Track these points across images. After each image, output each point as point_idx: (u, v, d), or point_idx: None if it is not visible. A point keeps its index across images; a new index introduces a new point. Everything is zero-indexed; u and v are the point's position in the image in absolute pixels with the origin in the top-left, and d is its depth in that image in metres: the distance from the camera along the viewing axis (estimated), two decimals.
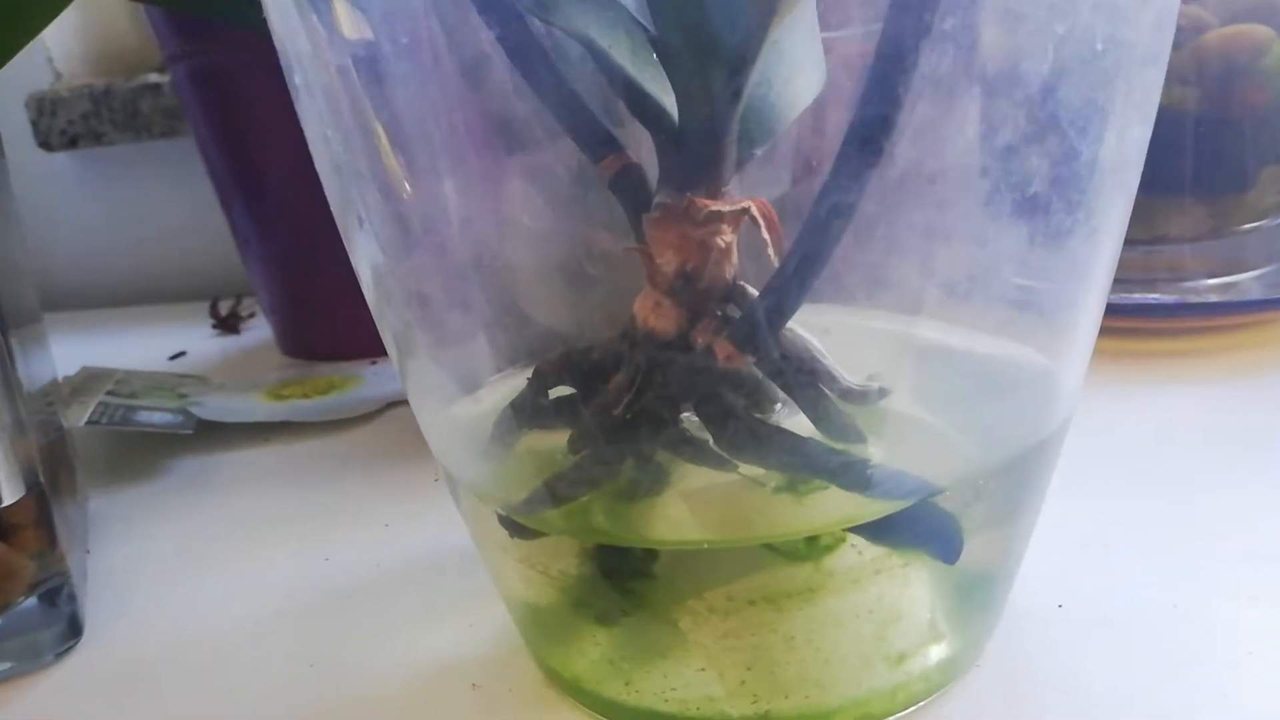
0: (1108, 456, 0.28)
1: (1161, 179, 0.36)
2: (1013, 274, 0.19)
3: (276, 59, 0.45)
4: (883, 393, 0.18)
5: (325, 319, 0.47)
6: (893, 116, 0.15)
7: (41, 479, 0.24)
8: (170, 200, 0.68)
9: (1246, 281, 0.38)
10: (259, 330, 0.54)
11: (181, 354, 0.51)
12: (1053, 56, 0.17)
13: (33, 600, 0.23)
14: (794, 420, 0.18)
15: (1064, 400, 0.19)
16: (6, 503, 0.23)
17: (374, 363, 0.46)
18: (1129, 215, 0.19)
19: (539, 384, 0.20)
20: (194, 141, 0.50)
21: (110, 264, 0.71)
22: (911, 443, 0.18)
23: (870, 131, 0.15)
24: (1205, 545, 0.23)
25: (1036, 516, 0.20)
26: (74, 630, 0.24)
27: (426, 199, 0.20)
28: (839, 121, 0.18)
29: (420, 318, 0.20)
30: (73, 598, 0.24)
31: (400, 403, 0.40)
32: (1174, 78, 0.35)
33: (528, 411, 0.20)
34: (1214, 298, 0.37)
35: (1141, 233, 0.37)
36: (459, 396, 0.21)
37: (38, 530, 0.24)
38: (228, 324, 0.55)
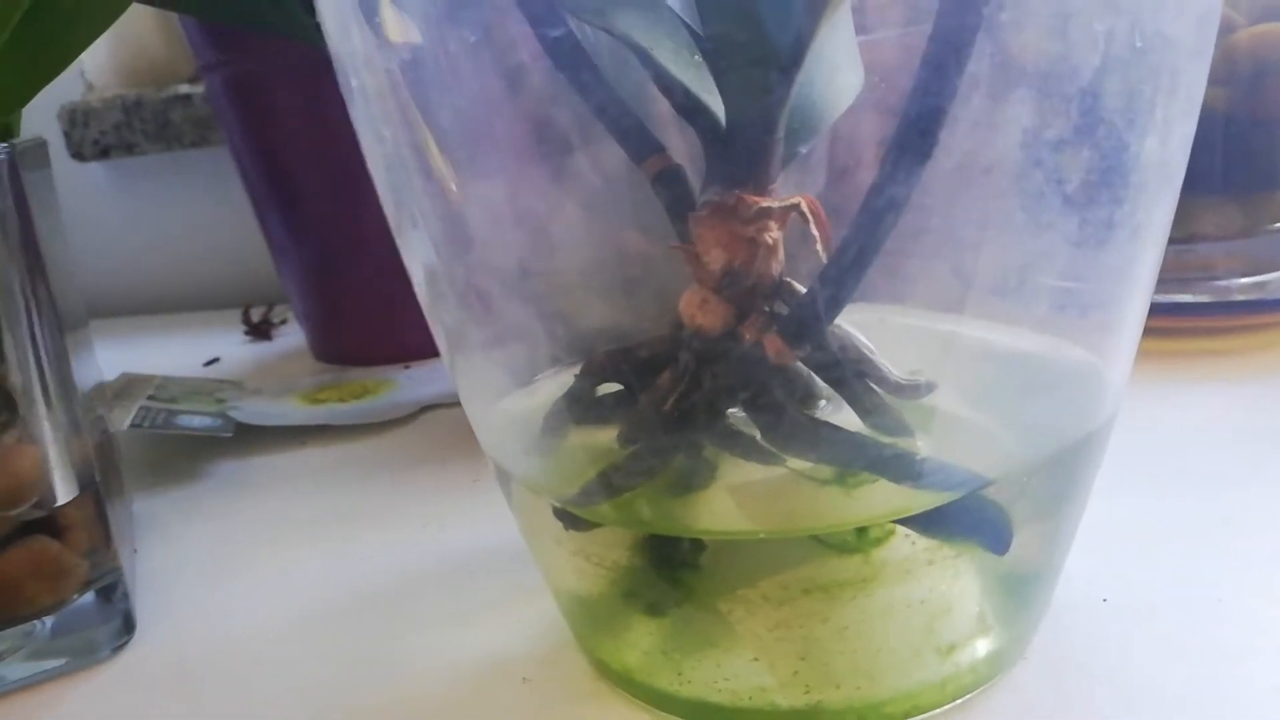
0: (1145, 454, 0.28)
1: (1193, 178, 0.36)
2: (1058, 270, 0.19)
3: (310, 68, 0.45)
4: (930, 386, 0.18)
5: (358, 325, 0.48)
6: (947, 108, 0.15)
7: (97, 477, 0.24)
8: (200, 209, 0.69)
9: (1278, 280, 0.38)
10: (291, 337, 0.55)
11: (215, 360, 0.52)
12: (1099, 50, 0.17)
13: (90, 596, 0.24)
14: (839, 417, 0.18)
15: (1109, 396, 0.19)
16: (61, 502, 0.23)
17: (407, 367, 0.46)
18: (1174, 210, 0.19)
19: (589, 379, 0.20)
20: (224, 151, 0.50)
21: (141, 272, 0.71)
22: (958, 437, 0.19)
23: (925, 123, 0.15)
24: (1245, 542, 0.23)
25: (1083, 511, 0.20)
26: (128, 627, 0.25)
27: (475, 199, 0.20)
28: (872, 122, 0.18)
29: (471, 315, 0.21)
30: (126, 595, 0.25)
31: (434, 406, 0.40)
32: None
33: (579, 406, 0.20)
34: (1246, 297, 0.37)
35: (1174, 232, 0.37)
36: (510, 391, 0.21)
37: (92, 529, 0.24)
38: (260, 331, 0.56)
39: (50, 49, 0.20)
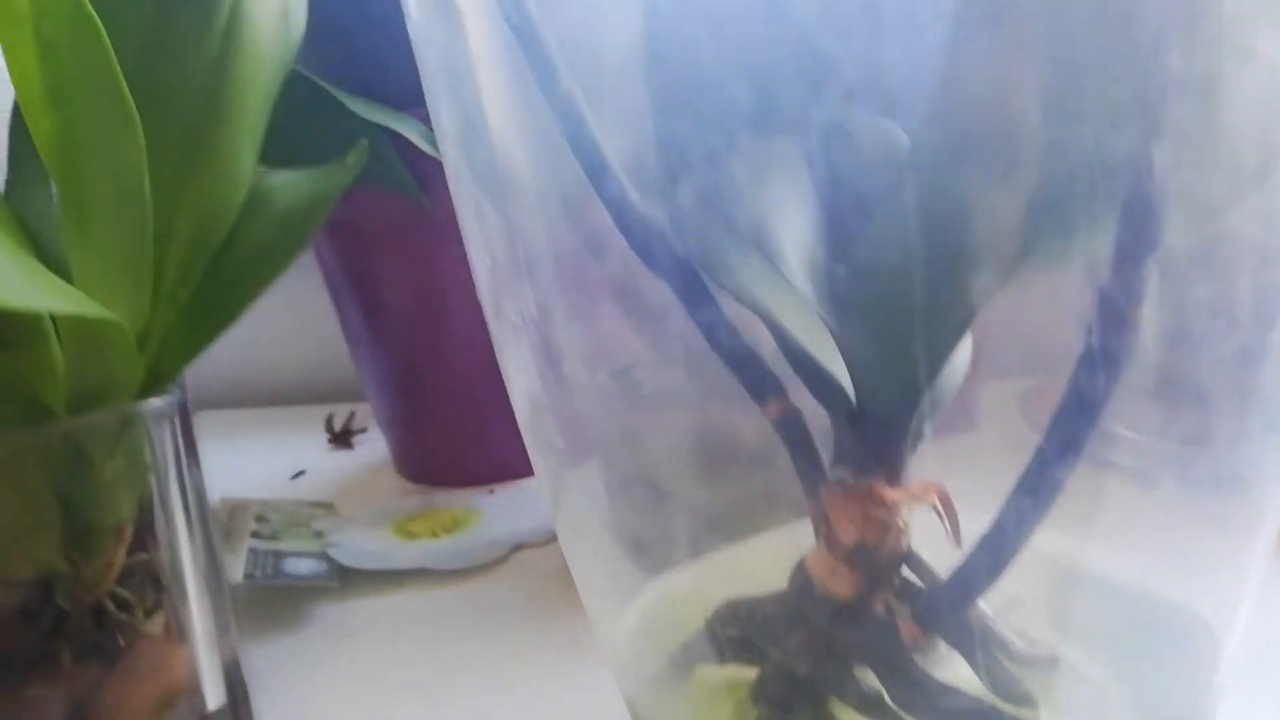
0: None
1: None
2: (1178, 521, 0.20)
3: (407, 212, 0.47)
4: (1053, 661, 0.19)
5: (442, 443, 0.49)
6: (1099, 417, 0.16)
7: (244, 676, 0.25)
8: (284, 308, 0.71)
9: None
10: (372, 445, 0.57)
11: (301, 473, 0.54)
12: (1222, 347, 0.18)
13: None
14: (955, 670, 0.19)
15: (1223, 666, 0.20)
16: (212, 709, 0.25)
17: (491, 491, 0.47)
18: None
19: (716, 629, 0.21)
20: (309, 254, 0.52)
21: (226, 367, 0.74)
22: (1078, 705, 0.19)
23: (1071, 457, 0.16)
24: None
25: None
26: None
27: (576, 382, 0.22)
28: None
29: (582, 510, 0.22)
30: None
31: (525, 545, 0.41)
32: None
33: (708, 649, 0.21)
34: None
35: None
36: (625, 586, 0.22)
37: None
38: (341, 439, 0.57)
39: (224, 305, 0.21)
